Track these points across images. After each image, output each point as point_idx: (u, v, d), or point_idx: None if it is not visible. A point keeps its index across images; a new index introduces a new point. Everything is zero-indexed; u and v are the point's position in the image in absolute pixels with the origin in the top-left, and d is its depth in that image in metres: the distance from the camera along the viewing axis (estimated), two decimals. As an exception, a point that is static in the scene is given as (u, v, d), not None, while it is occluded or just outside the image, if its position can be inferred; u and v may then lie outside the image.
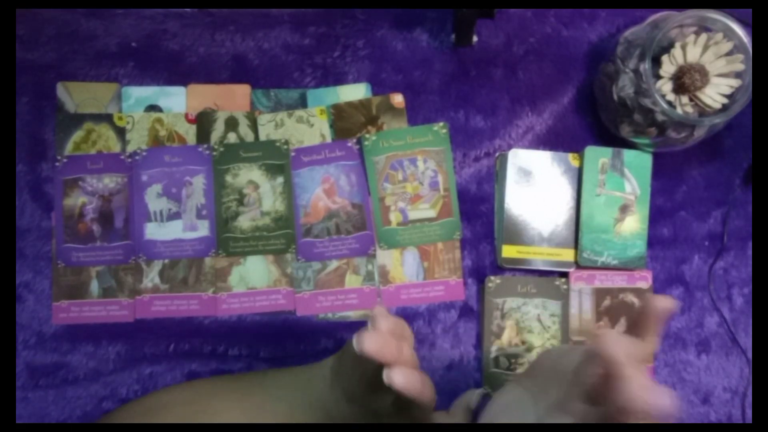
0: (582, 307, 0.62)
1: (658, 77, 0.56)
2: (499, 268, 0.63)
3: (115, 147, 0.62)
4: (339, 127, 0.63)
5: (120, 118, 0.62)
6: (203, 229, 0.62)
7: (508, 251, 0.62)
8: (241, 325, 0.62)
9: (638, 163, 0.61)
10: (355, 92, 0.63)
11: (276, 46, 0.63)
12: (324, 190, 0.63)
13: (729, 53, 0.56)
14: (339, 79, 0.63)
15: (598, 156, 0.61)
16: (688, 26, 0.57)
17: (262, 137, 0.63)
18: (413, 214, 0.63)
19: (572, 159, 0.62)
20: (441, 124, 0.63)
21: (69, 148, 0.62)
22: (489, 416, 0.45)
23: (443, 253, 0.63)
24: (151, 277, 0.61)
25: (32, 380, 0.60)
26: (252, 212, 0.62)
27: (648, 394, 0.31)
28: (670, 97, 0.56)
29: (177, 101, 0.63)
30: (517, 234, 0.62)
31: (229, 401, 0.54)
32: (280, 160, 0.62)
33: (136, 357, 0.61)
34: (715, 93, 0.56)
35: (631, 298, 0.62)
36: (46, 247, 0.61)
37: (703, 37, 0.56)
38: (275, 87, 0.63)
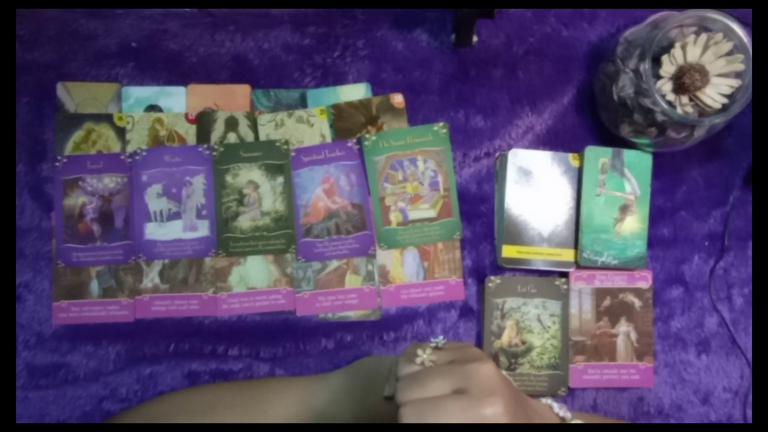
0: (582, 307, 0.62)
1: (658, 77, 0.56)
2: (499, 268, 0.63)
3: (115, 147, 0.62)
4: (339, 127, 0.63)
5: (120, 118, 0.62)
6: (203, 229, 0.62)
7: (508, 251, 0.62)
8: (241, 325, 0.62)
9: (638, 163, 0.61)
10: (355, 92, 0.63)
11: (276, 46, 0.63)
12: (324, 190, 0.63)
13: (729, 53, 0.56)
14: (339, 79, 0.63)
15: (598, 156, 0.61)
16: (688, 26, 0.57)
17: (262, 137, 0.63)
18: (413, 214, 0.63)
19: (572, 159, 0.62)
20: (441, 124, 0.63)
21: (69, 148, 0.62)
22: None
23: (443, 253, 0.63)
24: (151, 277, 0.61)
25: (32, 380, 0.60)
26: (252, 212, 0.62)
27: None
28: (670, 97, 0.56)
29: (177, 101, 0.63)
30: (517, 234, 0.62)
31: (231, 416, 0.54)
32: (280, 160, 0.62)
33: (136, 357, 0.61)
34: (715, 93, 0.56)
35: (631, 298, 0.62)
36: (46, 247, 0.61)
37: (703, 37, 0.56)
38: (275, 87, 0.63)
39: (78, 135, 0.62)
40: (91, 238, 0.61)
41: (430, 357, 0.42)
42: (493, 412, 0.38)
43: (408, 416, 0.39)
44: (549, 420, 0.46)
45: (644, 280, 0.62)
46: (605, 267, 0.62)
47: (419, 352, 0.42)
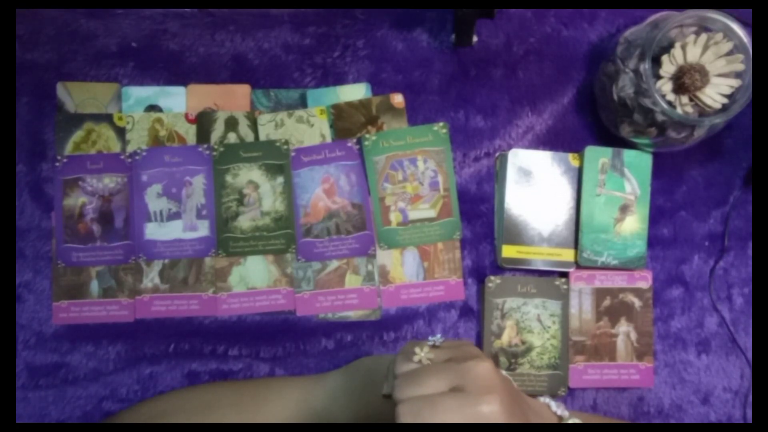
0: (582, 307, 0.62)
1: (658, 77, 0.56)
2: (499, 268, 0.63)
3: (115, 147, 0.62)
4: (339, 127, 0.63)
5: (120, 118, 0.62)
6: (203, 229, 0.62)
7: (508, 251, 0.62)
8: (241, 325, 0.62)
9: (638, 163, 0.61)
10: (355, 92, 0.63)
11: (276, 46, 0.63)
12: (324, 190, 0.63)
13: (729, 53, 0.56)
14: (339, 79, 0.63)
15: (598, 156, 0.61)
16: (688, 26, 0.57)
17: (262, 137, 0.63)
18: (413, 214, 0.63)
19: (572, 159, 0.62)
20: (441, 124, 0.63)
21: (69, 148, 0.62)
22: None
23: (443, 253, 0.63)
24: (151, 277, 0.61)
25: (32, 380, 0.60)
26: (252, 212, 0.62)
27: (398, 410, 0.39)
28: (670, 97, 0.56)
29: (177, 101, 0.63)
30: (517, 234, 0.62)
31: (230, 415, 0.54)
32: (280, 160, 0.62)
33: (136, 357, 0.61)
34: (715, 93, 0.56)
35: (631, 298, 0.62)
36: (46, 247, 0.61)
37: (703, 37, 0.56)
38: (275, 87, 0.63)
39: (78, 135, 0.62)
40: (91, 238, 0.61)
41: (428, 355, 0.42)
42: (490, 410, 0.38)
43: (405, 413, 0.39)
44: (546, 418, 0.46)
45: (644, 280, 0.62)
46: (605, 267, 0.62)
47: (417, 350, 0.42)
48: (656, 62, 0.56)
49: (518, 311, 0.61)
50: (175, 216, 0.62)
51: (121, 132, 0.62)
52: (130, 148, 0.62)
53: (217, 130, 0.63)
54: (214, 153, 0.62)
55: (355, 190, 0.63)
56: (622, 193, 0.61)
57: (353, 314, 0.62)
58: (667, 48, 0.56)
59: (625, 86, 0.57)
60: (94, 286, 0.61)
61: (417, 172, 0.63)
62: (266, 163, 0.62)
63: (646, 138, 0.60)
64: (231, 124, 0.63)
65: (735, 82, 0.56)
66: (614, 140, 0.62)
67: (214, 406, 0.55)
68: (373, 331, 0.62)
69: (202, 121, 0.63)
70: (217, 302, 0.62)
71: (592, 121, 0.64)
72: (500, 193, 0.63)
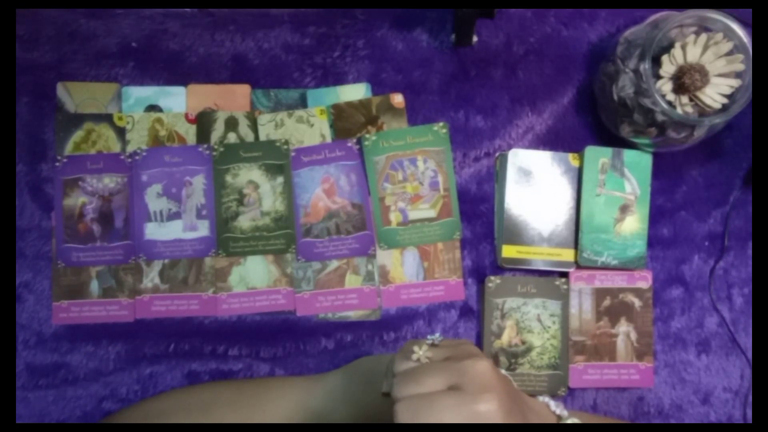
0: (582, 307, 0.62)
1: (658, 77, 0.56)
2: (499, 268, 0.63)
3: (115, 147, 0.62)
4: (339, 127, 0.63)
5: (120, 118, 0.62)
6: (203, 229, 0.62)
7: (508, 251, 0.62)
8: (241, 325, 0.62)
9: (638, 163, 0.61)
10: (355, 92, 0.63)
11: (276, 46, 0.63)
12: (324, 190, 0.63)
13: (729, 53, 0.56)
14: (339, 79, 0.63)
15: (598, 156, 0.61)
16: (688, 26, 0.57)
17: (262, 137, 0.63)
18: (413, 214, 0.63)
19: (572, 159, 0.62)
20: (441, 124, 0.63)
21: (69, 148, 0.62)
22: None
23: (443, 253, 0.63)
24: (151, 277, 0.61)
25: (32, 380, 0.60)
26: (252, 212, 0.62)
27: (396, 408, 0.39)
28: (670, 97, 0.56)
29: (177, 101, 0.63)
30: (517, 234, 0.62)
31: (229, 414, 0.54)
32: (280, 160, 0.62)
33: (136, 357, 0.61)
34: (715, 93, 0.56)
35: (631, 298, 0.62)
36: (46, 247, 0.61)
37: (703, 37, 0.56)
38: (275, 87, 0.63)
39: (78, 135, 0.62)
40: (91, 238, 0.61)
41: (426, 354, 0.42)
42: (487, 409, 0.38)
43: (402, 412, 0.39)
44: (545, 417, 0.46)
45: (644, 280, 0.62)
46: (605, 267, 0.62)
47: (415, 348, 0.43)
48: (656, 62, 0.56)
49: (518, 311, 0.61)
50: (175, 216, 0.62)
51: (121, 132, 0.62)
52: (130, 148, 0.62)
53: (217, 130, 0.63)
54: (214, 153, 0.62)
55: (355, 190, 0.63)
56: (622, 193, 0.61)
57: (353, 314, 0.62)
58: (667, 48, 0.56)
59: (625, 86, 0.57)
60: (94, 286, 0.61)
61: (417, 172, 0.63)
62: (266, 163, 0.62)
63: (646, 138, 0.60)
64: (231, 124, 0.63)
65: (735, 82, 0.56)
66: (614, 140, 0.62)
67: (213, 406, 0.55)
68: (373, 331, 0.62)
69: (202, 121, 0.63)
70: (217, 302, 0.62)
71: (592, 121, 0.64)
72: (500, 193, 0.63)
